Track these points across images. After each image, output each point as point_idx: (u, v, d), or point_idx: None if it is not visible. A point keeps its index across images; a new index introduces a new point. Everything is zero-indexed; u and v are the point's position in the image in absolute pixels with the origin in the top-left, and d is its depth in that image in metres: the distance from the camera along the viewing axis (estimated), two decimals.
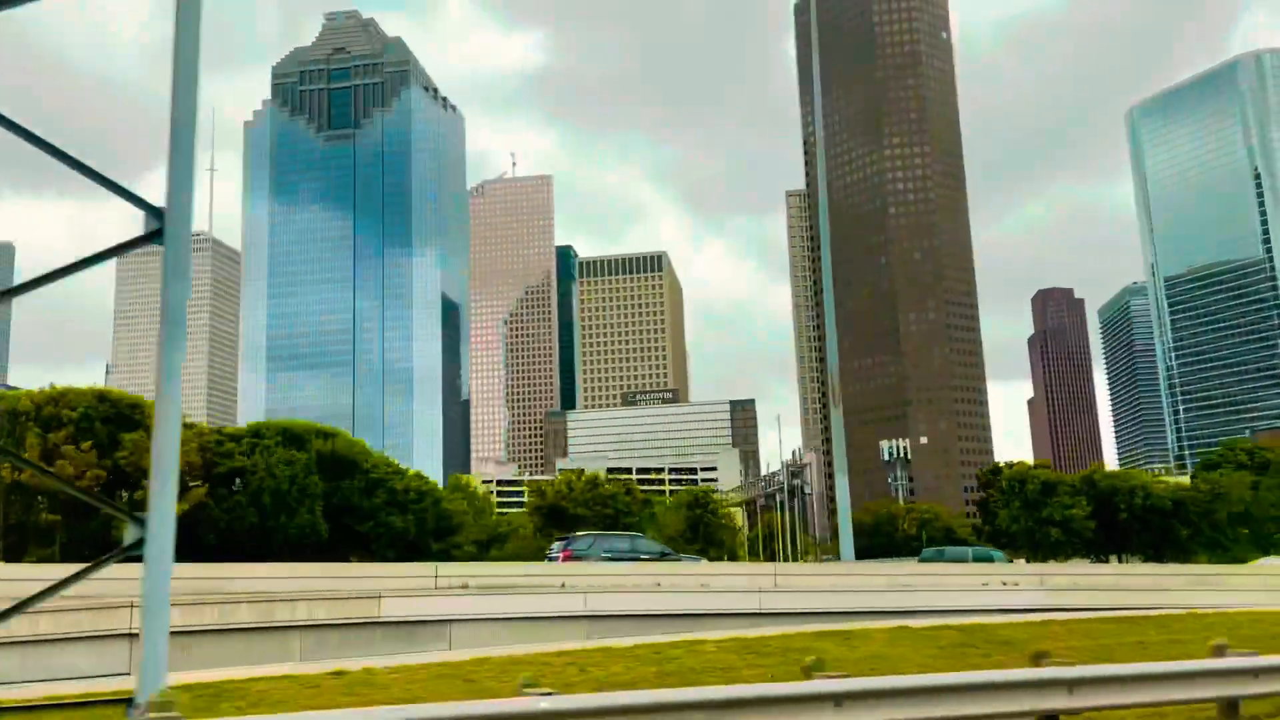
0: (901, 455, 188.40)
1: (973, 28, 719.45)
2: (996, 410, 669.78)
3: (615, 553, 35.71)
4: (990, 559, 47.27)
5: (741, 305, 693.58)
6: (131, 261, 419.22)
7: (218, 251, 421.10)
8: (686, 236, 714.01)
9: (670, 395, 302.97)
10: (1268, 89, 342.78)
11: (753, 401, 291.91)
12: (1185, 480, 78.91)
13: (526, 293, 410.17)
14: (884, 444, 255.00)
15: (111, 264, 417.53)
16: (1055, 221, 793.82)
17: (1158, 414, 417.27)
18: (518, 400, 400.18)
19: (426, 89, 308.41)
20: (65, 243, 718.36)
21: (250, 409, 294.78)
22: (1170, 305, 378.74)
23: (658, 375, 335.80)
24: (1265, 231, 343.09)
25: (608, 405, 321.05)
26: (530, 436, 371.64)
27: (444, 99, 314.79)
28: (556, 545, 39.50)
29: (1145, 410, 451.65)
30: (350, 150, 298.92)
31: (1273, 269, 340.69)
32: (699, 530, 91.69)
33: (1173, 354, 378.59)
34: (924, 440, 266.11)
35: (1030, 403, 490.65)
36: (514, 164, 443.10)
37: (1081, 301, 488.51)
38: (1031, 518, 63.75)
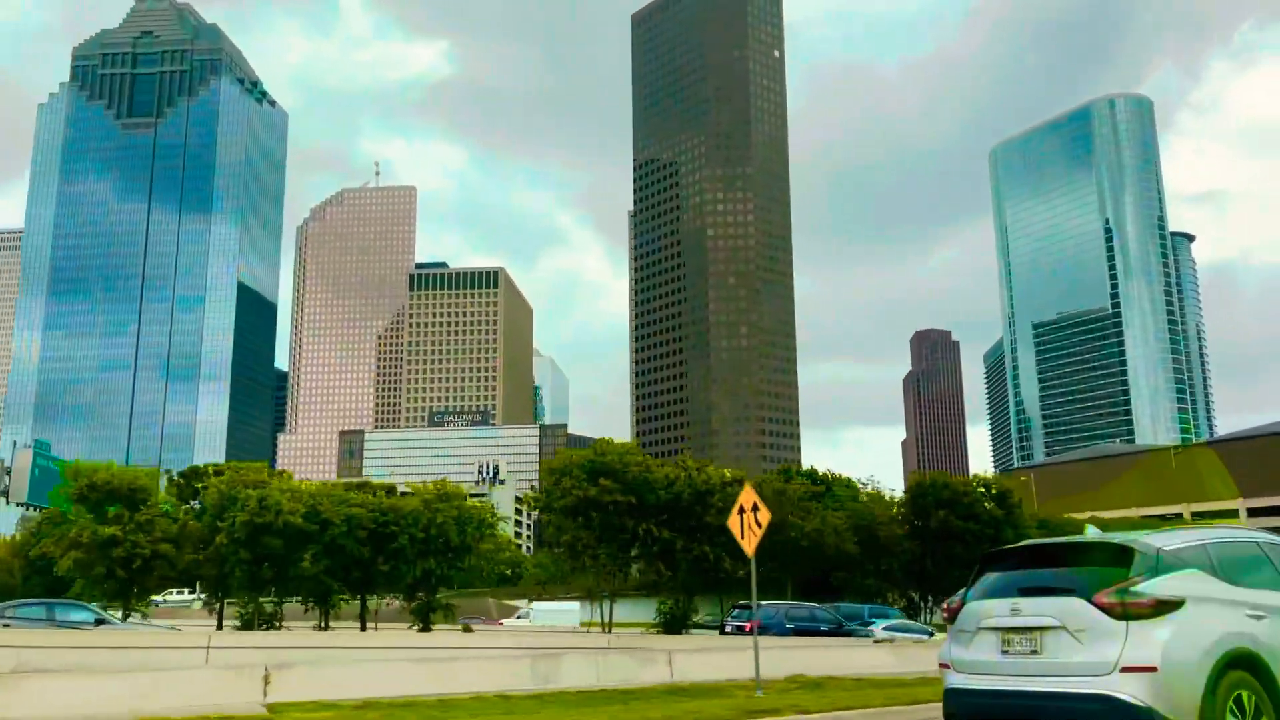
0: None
1: (878, 66, 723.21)
2: (873, 452, 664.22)
3: (797, 622, 34.85)
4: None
5: None
6: None
7: None
8: (601, 257, 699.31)
9: (480, 417, 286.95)
10: (1120, 137, 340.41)
11: (564, 426, 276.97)
12: None
13: (402, 307, 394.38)
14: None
15: None
16: (959, 263, 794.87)
17: (1027, 458, 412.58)
18: (384, 417, 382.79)
19: (242, 82, 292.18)
20: None
21: (19, 411, 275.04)
22: (1038, 350, 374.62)
23: (484, 395, 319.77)
24: (1114, 284, 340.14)
25: (421, 425, 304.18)
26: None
27: (263, 94, 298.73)
28: (737, 612, 37.84)
29: (1022, 454, 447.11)
30: (150, 139, 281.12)
31: (1119, 321, 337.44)
32: None
33: (1038, 399, 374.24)
34: (727, 474, 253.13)
35: (904, 444, 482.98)
36: (377, 173, 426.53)
37: (957, 344, 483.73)
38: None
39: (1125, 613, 7.65)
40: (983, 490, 52.02)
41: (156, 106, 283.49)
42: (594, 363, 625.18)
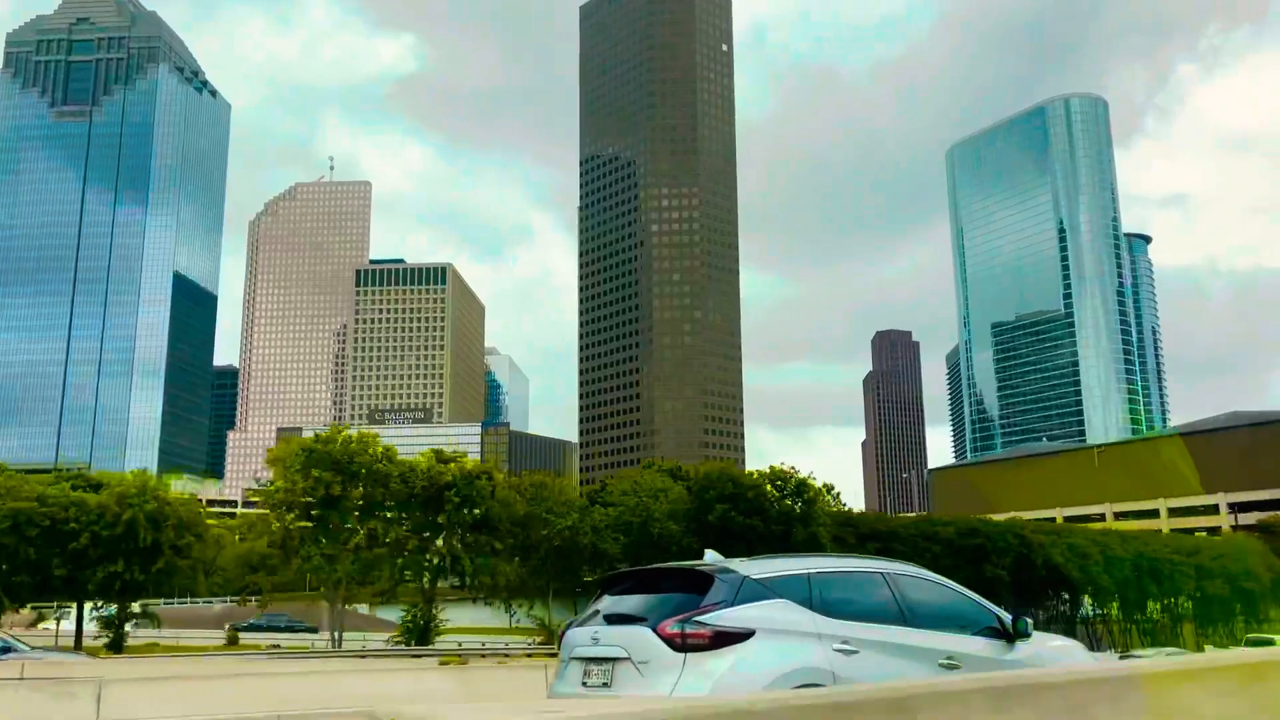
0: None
1: (848, 68, 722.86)
2: (833, 453, 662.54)
3: None
4: None
5: None
6: None
7: None
8: (568, 255, 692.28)
9: (422, 415, 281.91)
10: (1074, 137, 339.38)
11: (507, 424, 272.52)
12: None
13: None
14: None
15: None
16: (927, 263, 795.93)
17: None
18: (336, 415, 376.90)
19: (181, 70, 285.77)
20: None
21: None
22: (997, 351, 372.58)
23: (431, 393, 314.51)
24: (1067, 286, 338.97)
25: (362, 422, 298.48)
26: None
27: (204, 83, 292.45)
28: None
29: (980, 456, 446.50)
30: (85, 128, 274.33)
31: (1072, 323, 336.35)
32: None
33: (997, 400, 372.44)
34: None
35: (864, 445, 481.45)
36: (331, 168, 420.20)
37: (917, 345, 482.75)
38: None
39: (685, 644, 7.22)
40: (777, 484, 47.84)
41: (92, 95, 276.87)
42: (557, 362, 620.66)
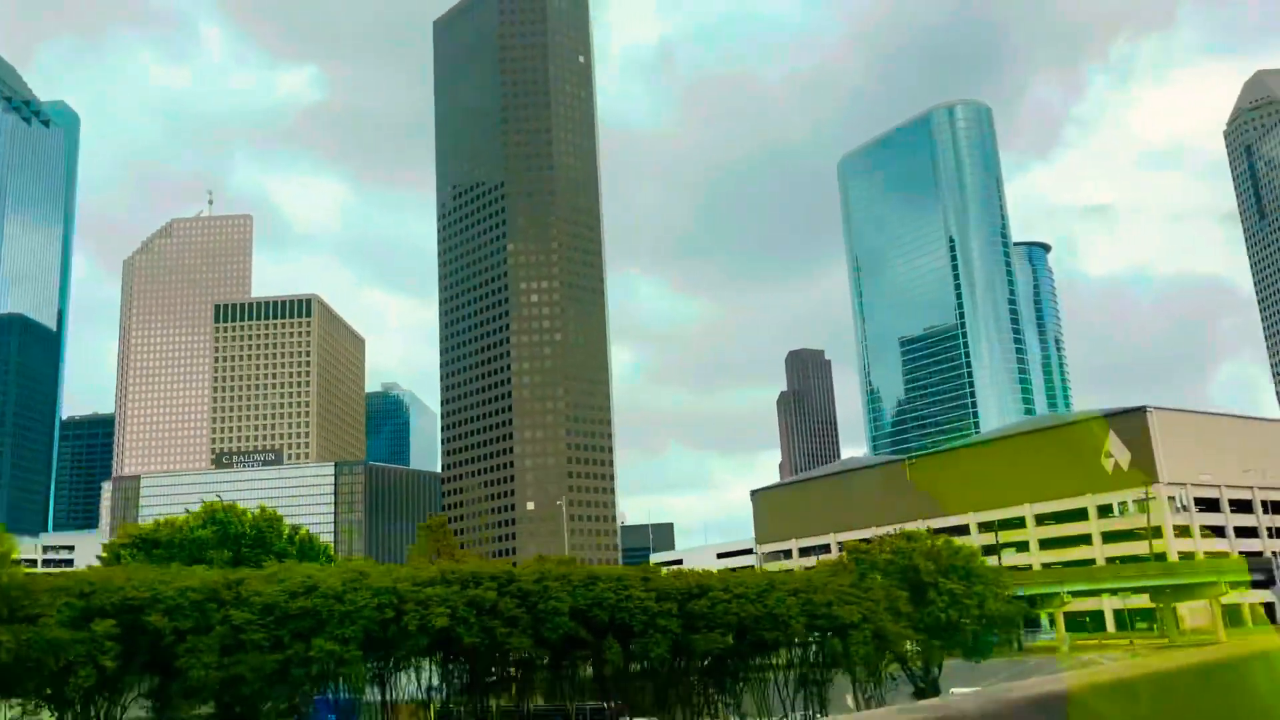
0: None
1: (756, 81, 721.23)
2: (753, 477, 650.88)
3: None
4: None
5: None
6: None
7: None
8: None
9: (271, 457, 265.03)
10: (959, 145, 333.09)
11: (362, 464, 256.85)
12: None
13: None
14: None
15: None
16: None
17: None
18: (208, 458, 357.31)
19: (10, 100, 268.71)
20: None
21: None
22: (905, 367, 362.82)
23: (296, 434, 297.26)
24: (959, 298, 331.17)
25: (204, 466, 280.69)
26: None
27: (35, 112, 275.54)
28: None
29: None
30: None
31: (965, 336, 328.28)
32: None
33: (908, 414, 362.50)
34: (530, 506, 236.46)
35: (780, 467, 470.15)
36: (210, 202, 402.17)
37: (829, 363, 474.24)
38: None
39: None
40: None
41: None
42: None
